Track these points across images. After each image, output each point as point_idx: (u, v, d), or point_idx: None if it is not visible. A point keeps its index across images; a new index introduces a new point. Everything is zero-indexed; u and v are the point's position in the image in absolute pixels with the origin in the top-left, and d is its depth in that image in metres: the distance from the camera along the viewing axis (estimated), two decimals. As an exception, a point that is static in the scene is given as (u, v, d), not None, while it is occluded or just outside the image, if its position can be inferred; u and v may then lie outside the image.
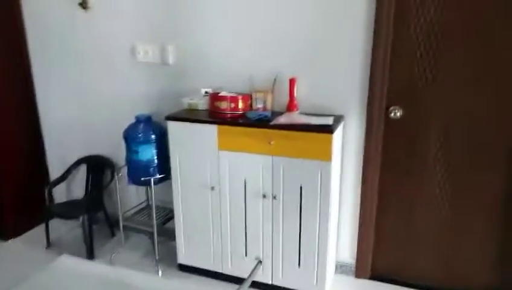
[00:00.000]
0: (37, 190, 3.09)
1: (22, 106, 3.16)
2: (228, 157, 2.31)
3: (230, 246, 2.44)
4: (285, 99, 2.39)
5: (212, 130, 2.29)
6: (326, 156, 2.09)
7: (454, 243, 2.38)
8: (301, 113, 2.35)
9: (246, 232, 2.38)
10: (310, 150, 2.11)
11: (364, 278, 2.61)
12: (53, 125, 3.26)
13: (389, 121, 2.33)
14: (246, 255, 2.40)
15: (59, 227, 3.17)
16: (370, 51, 2.23)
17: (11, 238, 3.11)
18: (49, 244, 2.98)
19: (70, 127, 3.19)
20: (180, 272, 2.64)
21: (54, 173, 3.32)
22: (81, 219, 2.79)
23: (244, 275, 2.44)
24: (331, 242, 2.36)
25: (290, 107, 2.37)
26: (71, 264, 1.35)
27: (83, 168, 3.17)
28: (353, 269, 2.62)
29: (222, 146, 2.30)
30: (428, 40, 2.15)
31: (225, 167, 2.33)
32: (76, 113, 3.12)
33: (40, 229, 3.07)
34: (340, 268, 2.64)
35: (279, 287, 2.37)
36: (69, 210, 2.96)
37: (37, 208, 3.08)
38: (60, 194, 3.34)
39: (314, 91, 2.40)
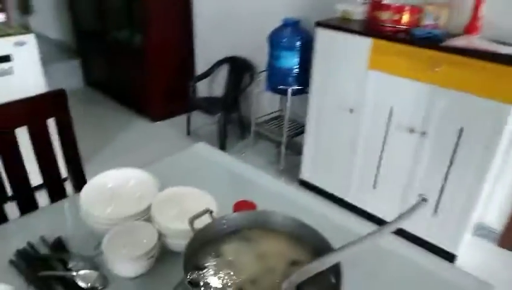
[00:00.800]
0: (184, 83, 3.31)
1: (181, 8, 3.29)
2: (377, 79, 2.02)
3: (359, 175, 2.27)
4: (464, 18, 1.91)
5: (365, 44, 2.00)
6: (509, 98, 1.65)
7: None
8: (483, 38, 1.86)
9: (379, 165, 2.16)
10: (488, 86, 1.68)
11: (508, 249, 2.21)
12: (203, 26, 3.34)
13: None
14: (374, 187, 2.22)
15: (198, 119, 3.41)
16: None
17: (158, 121, 3.48)
18: (188, 132, 3.25)
19: (218, 28, 3.21)
20: (300, 187, 2.62)
21: (199, 69, 3.49)
22: (218, 115, 2.91)
23: (367, 208, 2.29)
24: (479, 200, 2.00)
25: (470, 28, 1.89)
26: (207, 151, 1.43)
27: (225, 68, 3.24)
28: (496, 236, 2.23)
29: (373, 65, 2.01)
30: None
31: (371, 90, 2.06)
32: (224, 14, 3.10)
33: (182, 118, 3.34)
34: (479, 231, 2.28)
35: (406, 231, 2.16)
36: (208, 105, 3.12)
37: (182, 99, 3.32)
38: (202, 89, 3.54)
39: (509, 12, 1.85)
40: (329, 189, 2.46)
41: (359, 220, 1.19)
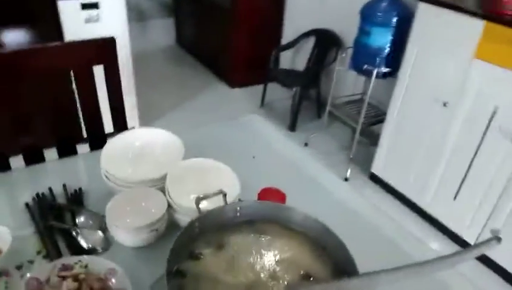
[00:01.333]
0: (267, 51, 3.17)
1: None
2: (483, 71, 1.67)
3: (440, 180, 1.96)
4: None
5: (475, 27, 1.65)
6: None
7: None
8: None
9: (466, 174, 1.83)
10: None
11: None
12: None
13: None
14: (454, 198, 1.90)
15: (275, 92, 3.28)
16: None
17: (236, 87, 3.42)
18: (262, 104, 3.14)
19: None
20: (369, 181, 2.37)
21: (285, 39, 3.32)
22: (295, 89, 2.75)
23: (442, 219, 1.99)
24: None
25: None
26: (259, 125, 1.29)
27: (311, 41, 3.02)
28: None
29: (481, 53, 1.66)
30: None
31: (474, 83, 1.72)
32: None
33: (259, 89, 3.23)
34: None
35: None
36: (287, 78, 2.96)
37: (263, 68, 3.20)
38: (284, 61, 3.38)
39: None
40: (402, 189, 2.18)
41: (420, 238, 0.96)
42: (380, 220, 0.93)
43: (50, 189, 0.90)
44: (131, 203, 0.78)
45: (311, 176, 1.06)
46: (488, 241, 0.48)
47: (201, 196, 0.68)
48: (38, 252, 0.76)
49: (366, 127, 2.45)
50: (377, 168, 2.31)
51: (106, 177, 0.84)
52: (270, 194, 0.79)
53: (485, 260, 1.82)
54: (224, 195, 0.70)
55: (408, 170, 2.11)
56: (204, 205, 0.67)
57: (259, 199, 0.79)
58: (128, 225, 0.73)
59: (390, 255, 0.82)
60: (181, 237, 0.62)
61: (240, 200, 0.79)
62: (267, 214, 0.69)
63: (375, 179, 2.34)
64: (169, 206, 0.77)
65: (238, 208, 0.69)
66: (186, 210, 0.75)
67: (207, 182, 0.80)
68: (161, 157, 0.89)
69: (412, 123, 2.03)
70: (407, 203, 2.17)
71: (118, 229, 0.73)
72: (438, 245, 1.94)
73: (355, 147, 2.41)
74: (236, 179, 0.82)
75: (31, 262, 0.74)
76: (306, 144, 2.68)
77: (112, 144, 0.88)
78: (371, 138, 2.56)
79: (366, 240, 0.84)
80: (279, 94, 3.28)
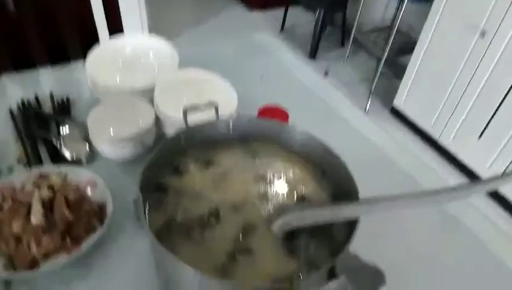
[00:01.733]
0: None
1: None
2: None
3: (466, 118, 1.82)
4: None
5: None
6: None
7: None
8: None
9: (495, 113, 1.68)
10: None
11: None
12: None
13: None
14: (479, 137, 1.77)
15: (298, 16, 3.05)
16: None
17: (256, 10, 3.19)
18: (282, 28, 2.93)
19: None
20: (389, 115, 2.25)
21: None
22: (318, 12, 2.52)
23: (463, 158, 1.88)
24: None
25: None
26: (269, 43, 1.16)
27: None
28: None
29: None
30: None
31: (521, 8, 1.50)
32: None
33: (279, 12, 3.00)
34: None
35: None
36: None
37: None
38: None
39: None
40: (423, 125, 2.06)
41: (440, 176, 0.88)
42: (398, 153, 0.84)
43: (36, 97, 0.83)
44: (116, 113, 0.70)
45: (327, 104, 0.95)
46: (507, 175, 0.38)
47: (190, 106, 0.59)
48: (19, 160, 0.71)
49: (393, 57, 2.26)
50: (399, 102, 2.17)
51: (93, 85, 0.77)
52: (271, 113, 0.70)
53: (500, 199, 1.75)
54: (216, 108, 0.61)
55: (432, 105, 1.96)
56: (195, 119, 0.59)
57: (259, 116, 0.70)
58: (110, 136, 0.66)
59: (406, 188, 0.74)
60: (163, 150, 0.55)
61: (236, 116, 0.71)
62: (263, 132, 0.61)
63: (396, 113, 2.21)
64: (158, 119, 0.70)
65: (231, 124, 0.61)
66: (174, 124, 0.68)
67: (201, 96, 0.72)
68: (153, 67, 0.80)
69: (443, 54, 1.85)
70: (427, 140, 2.06)
71: (100, 139, 0.66)
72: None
73: (377, 78, 2.25)
74: (234, 95, 0.73)
75: (11, 169, 0.69)
76: (326, 74, 2.53)
77: (100, 49, 0.79)
78: (396, 70, 2.38)
79: (382, 173, 0.77)
80: (301, 19, 3.05)
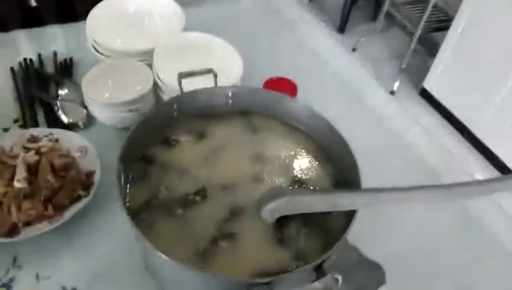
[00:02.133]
0: None
1: None
2: None
3: (502, 104, 1.68)
4: None
5: None
6: None
7: None
8: None
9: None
10: None
11: None
12: None
13: None
14: (514, 126, 1.65)
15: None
16: None
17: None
18: (311, -1, 2.79)
19: None
20: (418, 97, 2.12)
21: None
22: (349, -17, 2.38)
23: (494, 148, 1.76)
24: None
25: None
26: (287, 10, 1.07)
27: None
28: None
29: None
30: None
31: None
32: None
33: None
34: None
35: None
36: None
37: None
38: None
39: None
40: (454, 110, 1.93)
41: (466, 169, 0.80)
42: (423, 141, 0.77)
43: (39, 56, 0.80)
44: (114, 76, 0.66)
45: (349, 82, 0.87)
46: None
47: (185, 72, 0.54)
48: (16, 121, 0.69)
49: (427, 34, 2.11)
50: (429, 83, 2.04)
51: (94, 47, 0.72)
52: (278, 85, 0.64)
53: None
54: (215, 75, 0.56)
55: (466, 88, 1.83)
56: (195, 86, 0.54)
57: (264, 88, 0.65)
58: (103, 100, 0.62)
59: (427, 180, 0.68)
60: (151, 118, 0.50)
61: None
62: (265, 104, 0.55)
63: (425, 95, 2.08)
64: (157, 85, 0.65)
65: (230, 93, 0.55)
66: (172, 91, 0.63)
67: (205, 62, 0.66)
68: (157, 29, 0.75)
69: (482, 33, 1.69)
70: (456, 125, 1.93)
71: (93, 103, 0.62)
72: (483, 175, 1.75)
73: (409, 55, 2.11)
74: (240, 62, 0.67)
75: (6, 130, 0.67)
76: (354, 49, 2.40)
77: (101, 8, 0.74)
78: (430, 47, 2.22)
79: (402, 163, 0.70)
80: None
